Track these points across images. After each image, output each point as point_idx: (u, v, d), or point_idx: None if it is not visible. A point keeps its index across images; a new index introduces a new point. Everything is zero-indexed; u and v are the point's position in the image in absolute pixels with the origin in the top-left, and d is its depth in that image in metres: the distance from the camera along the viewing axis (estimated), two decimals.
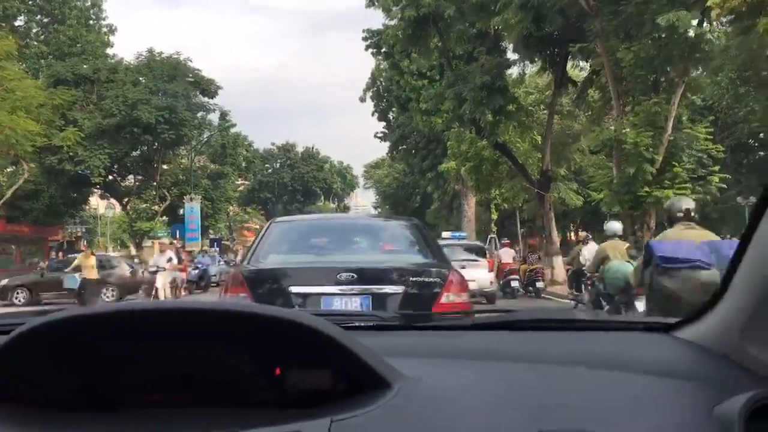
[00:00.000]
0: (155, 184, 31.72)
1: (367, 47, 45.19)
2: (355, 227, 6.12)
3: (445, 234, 23.53)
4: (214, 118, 37.58)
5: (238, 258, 33.50)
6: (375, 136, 59.02)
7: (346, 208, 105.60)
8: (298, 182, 78.69)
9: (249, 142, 41.00)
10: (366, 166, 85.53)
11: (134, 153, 31.50)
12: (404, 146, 55.16)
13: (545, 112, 24.83)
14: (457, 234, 23.05)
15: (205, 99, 31.50)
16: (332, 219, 9.10)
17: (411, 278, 4.61)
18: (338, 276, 4.46)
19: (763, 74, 33.16)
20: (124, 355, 0.98)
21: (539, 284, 18.59)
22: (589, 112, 23.73)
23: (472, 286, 13.71)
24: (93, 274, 17.55)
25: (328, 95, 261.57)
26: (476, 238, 43.11)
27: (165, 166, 34.50)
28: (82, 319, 0.95)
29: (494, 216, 39.93)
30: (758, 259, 1.14)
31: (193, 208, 34.70)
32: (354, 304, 4.42)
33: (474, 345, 1.42)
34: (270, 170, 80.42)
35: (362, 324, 1.65)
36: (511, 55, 23.73)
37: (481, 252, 18.07)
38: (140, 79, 29.37)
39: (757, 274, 1.14)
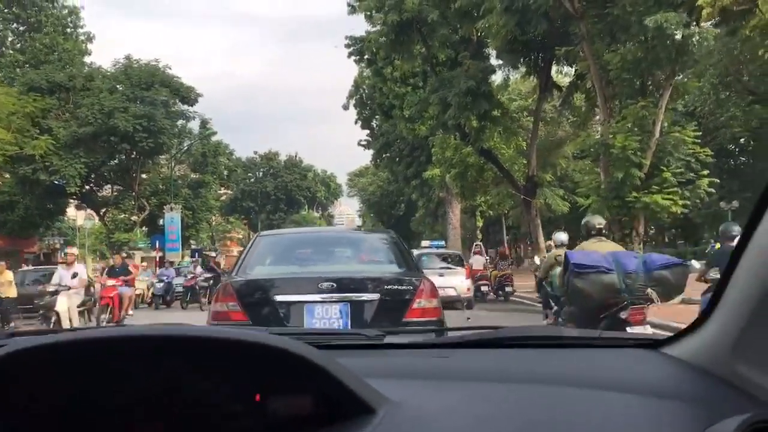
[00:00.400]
0: (134, 193, 31.01)
1: (350, 54, 44.73)
2: (335, 240, 6.62)
3: (424, 243, 24.05)
4: (194, 126, 37.15)
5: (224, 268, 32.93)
6: (359, 144, 58.58)
7: (330, 217, 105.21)
8: (282, 191, 78.07)
9: (230, 151, 40.41)
10: (350, 174, 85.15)
11: (112, 162, 30.75)
12: (388, 154, 54.82)
13: (530, 118, 24.57)
14: (435, 243, 23.45)
15: (185, 107, 30.91)
16: (314, 232, 9.57)
17: (385, 286, 4.95)
18: (319, 285, 4.80)
19: (744, 80, 33.27)
20: (94, 384, 0.94)
21: (508, 289, 19.27)
22: (575, 117, 23.52)
23: (450, 292, 15.75)
24: (10, 291, 15.09)
25: (311, 103, 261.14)
26: (461, 245, 42.88)
27: (144, 176, 33.83)
28: (41, 349, 0.92)
29: (479, 223, 39.63)
30: (750, 276, 1.12)
31: (173, 218, 34.02)
32: (334, 311, 4.80)
33: (459, 364, 1.41)
34: (252, 179, 79.76)
35: (345, 343, 1.65)
36: (495, 61, 23.46)
37: (458, 260, 18.69)
38: (117, 86, 28.74)
39: (749, 290, 1.12)
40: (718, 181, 15.57)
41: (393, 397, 1.04)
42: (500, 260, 21.82)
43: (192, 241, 71.16)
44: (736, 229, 7.49)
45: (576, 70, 21.21)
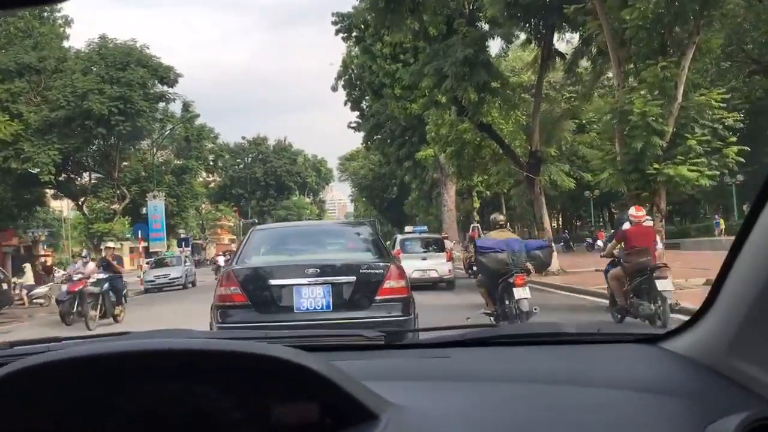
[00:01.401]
0: (113, 181, 29.32)
1: (337, 32, 43.14)
2: (319, 232, 7.78)
3: (407, 228, 24.64)
4: (177, 110, 35.37)
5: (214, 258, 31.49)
6: (348, 126, 56.97)
7: (321, 203, 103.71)
8: (271, 177, 76.22)
9: (215, 134, 38.71)
10: (341, 158, 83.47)
11: (89, 148, 28.94)
12: (379, 135, 53.38)
13: (525, 96, 22.99)
14: (419, 228, 24.40)
15: (165, 87, 29.13)
16: (301, 226, 11.21)
17: (360, 270, 5.95)
18: (306, 271, 5.81)
19: (748, 48, 31.82)
20: (96, 399, 0.94)
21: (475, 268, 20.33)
22: (579, 87, 22.02)
23: (432, 274, 17.95)
24: None
25: (300, 90, 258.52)
26: (457, 227, 41.50)
27: (125, 162, 32.13)
28: (43, 368, 0.92)
29: (476, 204, 38.13)
30: (749, 271, 1.12)
31: (156, 206, 32.39)
32: (318, 292, 5.78)
33: (460, 364, 1.42)
34: (241, 165, 77.91)
35: (346, 344, 1.66)
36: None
37: (440, 244, 19.79)
38: (92, 68, 26.95)
39: (748, 285, 1.12)
40: (749, 149, 14.05)
41: (396, 401, 1.04)
42: (469, 243, 22.08)
43: (181, 231, 69.55)
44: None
45: (581, 35, 19.67)
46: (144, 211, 33.03)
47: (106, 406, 0.93)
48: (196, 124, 36.58)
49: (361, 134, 55.70)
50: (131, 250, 53.49)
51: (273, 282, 5.85)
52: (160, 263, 28.09)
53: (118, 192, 29.64)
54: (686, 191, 14.77)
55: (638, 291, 9.21)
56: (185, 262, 27.93)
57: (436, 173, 41.66)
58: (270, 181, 76.71)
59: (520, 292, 8.45)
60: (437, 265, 18.13)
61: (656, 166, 14.01)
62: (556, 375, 1.28)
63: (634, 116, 13.70)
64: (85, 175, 31.34)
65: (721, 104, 14.34)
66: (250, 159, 78.27)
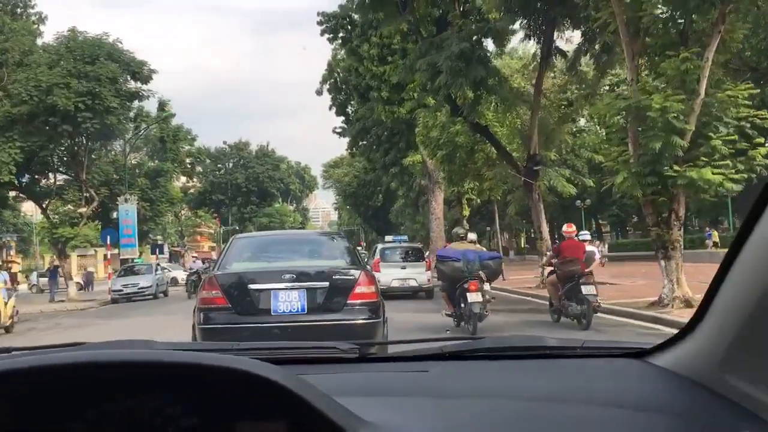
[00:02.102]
0: (80, 183, 27.37)
1: (323, 32, 41.69)
2: (296, 241, 8.46)
3: (388, 238, 24.49)
4: (152, 109, 33.48)
5: (187, 265, 29.59)
6: (333, 132, 55.55)
7: (305, 210, 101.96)
8: (253, 183, 74.24)
9: (193, 136, 36.72)
10: (324, 165, 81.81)
11: (56, 147, 26.88)
12: (365, 141, 51.94)
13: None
14: (399, 238, 24.42)
15: (138, 84, 27.32)
16: (279, 235, 12.00)
17: (333, 276, 6.49)
18: (282, 276, 6.32)
19: (746, 54, 30.64)
20: (51, 411, 0.89)
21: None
22: (575, 87, 20.58)
23: (411, 283, 18.41)
24: None
25: (284, 97, 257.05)
26: (445, 237, 39.98)
27: (96, 163, 30.18)
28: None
29: (466, 212, 36.61)
30: (740, 285, 1.09)
31: (128, 210, 30.53)
32: (293, 296, 6.27)
33: (439, 378, 1.38)
34: (222, 171, 75.86)
35: (320, 356, 1.60)
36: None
37: (419, 253, 20.11)
38: (60, 62, 25.06)
39: (739, 299, 1.09)
40: None
41: (371, 417, 0.98)
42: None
43: (158, 237, 67.29)
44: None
45: (589, 27, 18.25)
46: (114, 215, 31.15)
47: (51, 422, 0.87)
48: (173, 124, 34.74)
49: (346, 140, 54.35)
50: (105, 257, 51.41)
51: (252, 286, 6.29)
52: (129, 271, 26.22)
53: (86, 195, 27.66)
54: (709, 196, 13.28)
55: (569, 294, 10.91)
56: (156, 270, 26.03)
57: (424, 180, 40.18)
58: (252, 188, 74.70)
59: (473, 297, 9.88)
60: (416, 275, 18.49)
61: (676, 168, 12.54)
62: (538, 390, 1.25)
63: (652, 113, 12.21)
64: (51, 175, 29.26)
65: (747, 101, 12.91)
66: (231, 164, 76.27)
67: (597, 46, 18.62)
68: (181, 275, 31.93)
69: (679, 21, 13.30)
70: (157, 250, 37.10)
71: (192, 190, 74.50)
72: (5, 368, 0.86)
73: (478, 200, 36.10)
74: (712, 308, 1.18)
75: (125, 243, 30.80)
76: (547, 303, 12.12)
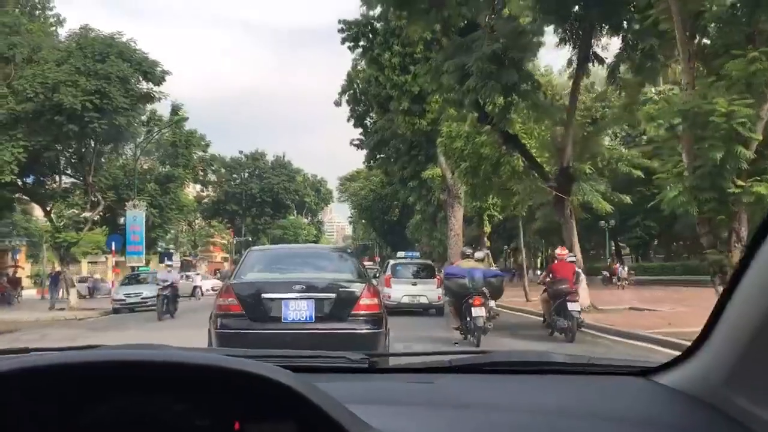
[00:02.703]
0: (87, 186, 26.18)
1: (344, 40, 40.57)
2: (306, 255, 8.97)
3: (399, 254, 24.31)
4: (165, 113, 32.35)
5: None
6: (351, 144, 54.44)
7: (319, 224, 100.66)
8: (268, 194, 73.02)
9: (206, 142, 35.46)
10: (341, 178, 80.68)
11: (63, 148, 25.70)
12: (383, 155, 50.70)
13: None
14: (410, 254, 23.97)
15: (150, 85, 26.16)
16: (291, 248, 12.64)
17: (339, 288, 7.00)
18: (293, 287, 6.82)
19: None
20: (58, 410, 0.90)
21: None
22: (620, 97, 19.13)
23: (421, 300, 18.46)
24: None
25: (303, 110, 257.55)
26: (479, 250, 38.38)
27: (107, 166, 29.06)
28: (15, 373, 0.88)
29: (487, 229, 35.07)
30: (746, 304, 1.09)
31: (136, 216, 29.37)
32: (303, 305, 6.72)
33: (446, 390, 1.41)
34: (237, 180, 74.77)
35: (330, 366, 1.63)
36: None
37: (430, 270, 20.03)
38: (68, 59, 23.97)
39: (745, 318, 1.09)
40: None
41: (378, 425, 1.00)
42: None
43: (171, 246, 66.06)
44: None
45: (628, 35, 16.88)
46: (122, 221, 29.98)
47: (66, 418, 0.89)
48: (186, 129, 33.59)
49: (363, 153, 53.18)
50: (117, 264, 50.30)
51: (264, 295, 6.76)
52: (133, 280, 24.94)
53: (92, 199, 26.48)
54: None
55: (558, 310, 11.95)
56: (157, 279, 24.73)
57: (443, 194, 38.67)
58: (266, 198, 73.47)
59: (477, 311, 10.54)
60: (427, 291, 18.51)
61: (740, 183, 11.07)
62: (543, 405, 1.26)
63: (716, 118, 10.75)
64: (57, 177, 28.11)
65: None
66: (246, 174, 75.11)
67: (638, 53, 17.19)
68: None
69: (743, 19, 11.85)
70: (166, 258, 35.75)
71: (206, 200, 73.59)
72: (26, 365, 0.87)
73: (500, 216, 34.58)
74: (718, 327, 1.18)
75: (132, 250, 29.61)
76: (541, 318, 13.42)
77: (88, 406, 0.89)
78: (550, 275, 12.62)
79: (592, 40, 18.45)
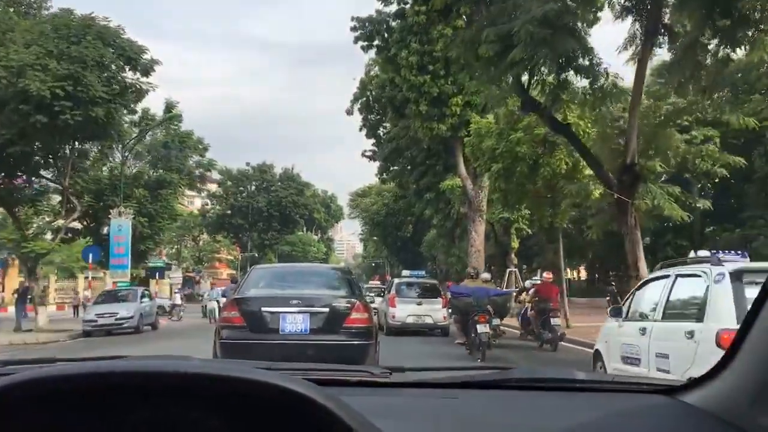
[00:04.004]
0: (63, 189, 22.81)
1: (357, 39, 37.43)
2: (305, 273, 9.80)
3: (404, 272, 24.11)
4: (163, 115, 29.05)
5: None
6: (363, 155, 51.26)
7: (329, 241, 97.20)
8: (275, 207, 69.48)
9: (204, 146, 31.94)
10: (352, 194, 77.25)
11: (30, 143, 22.25)
12: (396, 167, 47.42)
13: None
14: (416, 273, 23.76)
15: (137, 76, 22.88)
16: (291, 267, 14.62)
17: (333, 303, 7.70)
18: (290, 302, 7.57)
19: None
20: (80, 420, 0.89)
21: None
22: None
23: (426, 320, 18.64)
24: None
25: (315, 128, 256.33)
26: (486, 271, 34.86)
27: (90, 168, 25.72)
28: (41, 381, 0.87)
29: (515, 245, 31.42)
30: None
31: (121, 225, 25.95)
32: (299, 318, 7.43)
33: (466, 406, 1.40)
34: (244, 194, 71.36)
35: (350, 379, 1.63)
36: None
37: (436, 289, 19.84)
38: (41, 41, 20.75)
39: None
40: None
41: None
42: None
43: (173, 262, 62.69)
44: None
45: None
46: (106, 231, 26.61)
47: (92, 429, 0.88)
48: (183, 130, 30.20)
49: (376, 165, 50.02)
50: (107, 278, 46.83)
51: (264, 309, 7.53)
52: (110, 297, 21.44)
53: (68, 204, 23.08)
54: None
55: (543, 324, 14.51)
56: (142, 297, 21.21)
57: (464, 207, 35.09)
58: (274, 212, 70.01)
59: (481, 328, 11.62)
60: (432, 311, 18.37)
61: None
62: (566, 423, 1.25)
63: None
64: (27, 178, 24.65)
65: None
66: (253, 187, 71.79)
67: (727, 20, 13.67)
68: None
69: None
70: (157, 274, 32.32)
71: (210, 213, 70.33)
72: (54, 373, 0.86)
73: (529, 231, 31.00)
74: (744, 347, 1.18)
75: (115, 264, 26.17)
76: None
77: (114, 417, 0.87)
78: (537, 296, 15.16)
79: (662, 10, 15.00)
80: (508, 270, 29.87)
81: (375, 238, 71.85)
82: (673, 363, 6.04)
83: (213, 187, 63.71)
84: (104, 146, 25.58)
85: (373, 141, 48.00)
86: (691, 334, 5.79)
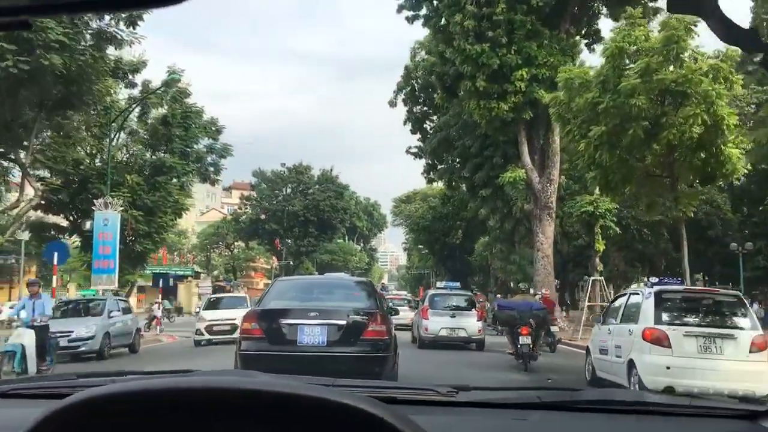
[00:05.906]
0: (22, 169, 17.68)
1: (400, 8, 32.06)
2: (327, 284, 10.12)
3: (438, 284, 23.80)
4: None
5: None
6: (407, 152, 45.94)
7: (372, 251, 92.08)
8: (312, 212, 63.90)
9: (218, 127, 26.30)
10: (395, 200, 71.69)
11: None
12: (444, 165, 41.69)
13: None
14: (451, 284, 22.36)
15: (121, 28, 17.73)
16: (314, 279, 14.42)
17: (351, 315, 7.77)
18: (308, 314, 7.69)
19: None
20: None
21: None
22: None
23: (460, 333, 18.48)
24: None
25: (359, 140, 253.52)
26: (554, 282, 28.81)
27: (64, 147, 20.64)
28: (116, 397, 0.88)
29: (600, 246, 25.11)
30: None
31: (107, 219, 20.71)
32: (316, 330, 7.52)
33: (536, 428, 1.38)
34: (279, 197, 66.13)
35: (417, 398, 1.62)
36: None
37: (471, 301, 19.47)
38: None
39: None
40: None
41: None
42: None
43: (203, 271, 57.81)
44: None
45: None
46: (89, 225, 21.39)
47: None
48: (192, 105, 24.89)
49: (421, 164, 44.46)
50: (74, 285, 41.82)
51: (282, 321, 7.64)
52: (68, 311, 16.07)
53: (33, 187, 17.90)
54: None
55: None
56: (110, 311, 15.67)
57: (528, 204, 29.08)
58: (311, 217, 64.60)
59: (523, 339, 12.56)
60: (467, 324, 18.02)
61: None
62: None
63: None
64: None
65: None
66: (289, 189, 66.67)
67: None
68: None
69: None
70: (161, 281, 26.99)
71: (243, 218, 65.46)
72: (133, 388, 0.87)
73: (617, 230, 24.74)
74: None
75: (99, 267, 20.92)
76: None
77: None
78: None
79: None
80: (590, 279, 23.71)
81: (420, 246, 66.15)
82: (623, 351, 9.36)
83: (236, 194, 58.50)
84: (87, 119, 20.45)
85: (418, 136, 42.66)
86: (630, 332, 9.21)
